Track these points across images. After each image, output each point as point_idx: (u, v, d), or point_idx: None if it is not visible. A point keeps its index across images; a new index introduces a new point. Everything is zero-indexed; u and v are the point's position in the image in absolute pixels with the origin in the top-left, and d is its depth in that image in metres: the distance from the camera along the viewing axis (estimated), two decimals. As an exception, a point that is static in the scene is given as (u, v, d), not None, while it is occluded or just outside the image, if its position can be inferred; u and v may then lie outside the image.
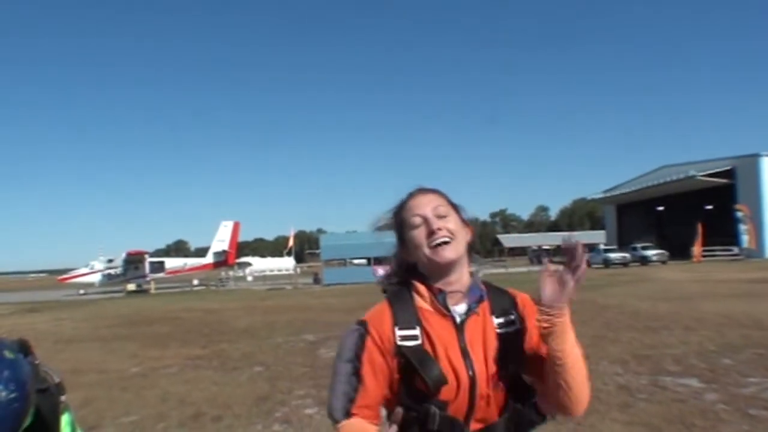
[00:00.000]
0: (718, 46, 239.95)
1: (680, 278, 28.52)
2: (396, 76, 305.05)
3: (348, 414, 1.84)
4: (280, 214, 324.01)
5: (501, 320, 1.90)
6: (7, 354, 1.46)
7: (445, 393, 1.79)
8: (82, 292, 50.25)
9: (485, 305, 1.92)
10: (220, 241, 59.72)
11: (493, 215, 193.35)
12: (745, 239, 48.42)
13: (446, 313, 1.87)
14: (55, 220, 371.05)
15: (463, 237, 1.93)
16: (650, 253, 49.00)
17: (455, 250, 1.87)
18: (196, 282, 56.00)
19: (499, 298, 1.96)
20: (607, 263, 48.10)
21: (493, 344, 1.85)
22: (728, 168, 52.13)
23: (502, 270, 51.29)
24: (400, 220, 1.98)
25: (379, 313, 1.92)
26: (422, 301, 1.92)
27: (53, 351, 14.14)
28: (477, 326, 1.87)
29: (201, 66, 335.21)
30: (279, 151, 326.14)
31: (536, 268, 58.62)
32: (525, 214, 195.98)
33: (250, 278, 64.50)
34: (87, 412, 7.98)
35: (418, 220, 1.90)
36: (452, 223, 1.90)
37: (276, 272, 65.55)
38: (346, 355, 1.88)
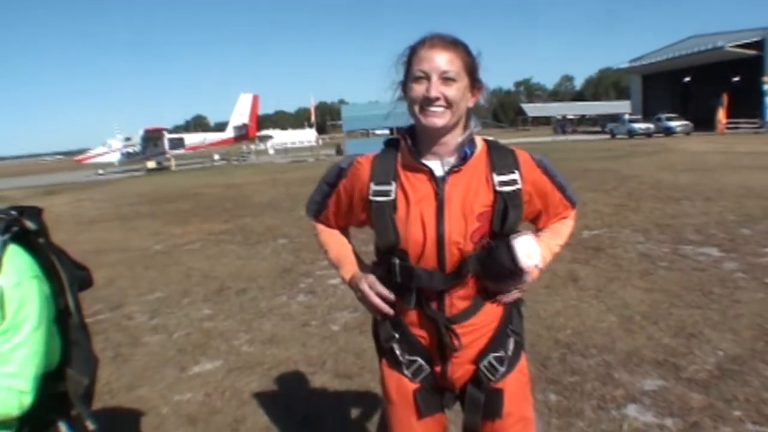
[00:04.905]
0: None
1: (703, 149, 28.07)
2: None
3: (316, 218, 2.21)
4: (300, 86, 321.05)
5: (501, 178, 1.90)
6: None
7: (412, 247, 1.88)
8: (101, 172, 48.93)
9: (480, 163, 1.93)
10: (240, 114, 58.41)
11: (517, 84, 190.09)
12: (770, 112, 47.12)
13: (422, 167, 1.90)
14: (69, 100, 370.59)
15: (464, 104, 1.89)
16: (674, 124, 47.87)
17: (445, 119, 1.84)
18: (217, 157, 55.50)
19: (501, 157, 1.94)
20: (631, 133, 47.30)
21: (481, 201, 1.88)
22: (758, 39, 49.80)
23: (526, 139, 50.59)
24: (409, 61, 1.90)
25: (362, 164, 2.01)
26: (403, 157, 1.96)
27: (75, 232, 14.14)
28: (459, 182, 1.89)
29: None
30: (297, 19, 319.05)
31: (560, 137, 58.11)
32: (550, 84, 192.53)
33: (271, 151, 63.55)
34: (111, 291, 8.03)
35: (421, 74, 1.83)
36: (455, 89, 1.83)
37: (298, 145, 64.48)
38: (326, 179, 2.13)
